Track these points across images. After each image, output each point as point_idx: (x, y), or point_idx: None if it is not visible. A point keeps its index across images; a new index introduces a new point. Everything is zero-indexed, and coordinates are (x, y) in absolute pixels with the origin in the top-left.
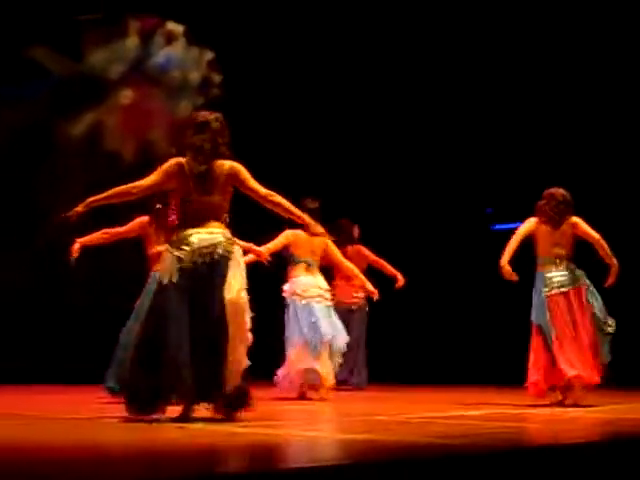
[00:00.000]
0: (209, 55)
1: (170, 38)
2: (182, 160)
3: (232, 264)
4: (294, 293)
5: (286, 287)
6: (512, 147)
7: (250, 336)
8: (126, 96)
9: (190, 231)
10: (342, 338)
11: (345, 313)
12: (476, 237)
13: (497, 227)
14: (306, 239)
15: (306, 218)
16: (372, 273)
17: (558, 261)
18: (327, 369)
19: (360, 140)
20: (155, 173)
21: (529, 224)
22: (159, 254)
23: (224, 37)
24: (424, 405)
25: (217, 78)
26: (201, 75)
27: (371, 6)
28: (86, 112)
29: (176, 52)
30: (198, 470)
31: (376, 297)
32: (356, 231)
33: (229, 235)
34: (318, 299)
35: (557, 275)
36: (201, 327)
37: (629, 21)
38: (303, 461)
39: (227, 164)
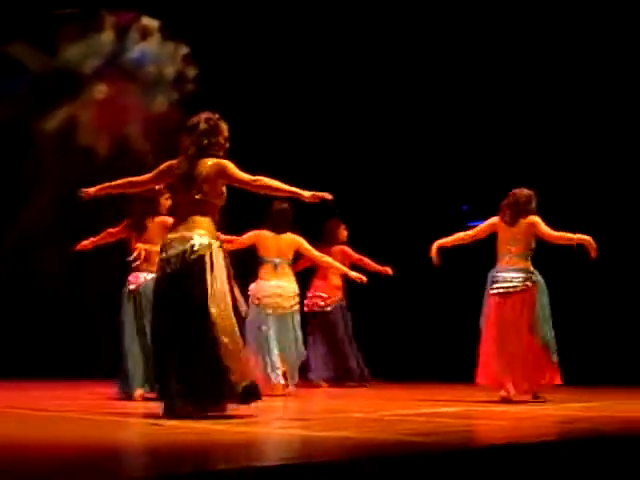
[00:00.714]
0: (184, 50)
1: (145, 33)
2: (173, 161)
3: (208, 268)
4: (254, 296)
5: (251, 287)
6: (488, 144)
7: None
8: (101, 91)
9: (170, 235)
10: (293, 352)
11: (325, 313)
12: (452, 233)
13: (473, 224)
14: (272, 238)
15: (301, 192)
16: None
17: (509, 259)
18: (285, 367)
19: (336, 138)
20: (153, 171)
21: (489, 220)
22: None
23: (205, 31)
24: (399, 402)
25: (192, 73)
26: (176, 70)
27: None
28: (60, 107)
29: (151, 47)
30: (175, 469)
31: (363, 280)
32: (342, 232)
33: (206, 236)
34: (273, 309)
35: (505, 275)
36: (188, 338)
37: (600, 22)
38: (274, 459)
39: (211, 161)
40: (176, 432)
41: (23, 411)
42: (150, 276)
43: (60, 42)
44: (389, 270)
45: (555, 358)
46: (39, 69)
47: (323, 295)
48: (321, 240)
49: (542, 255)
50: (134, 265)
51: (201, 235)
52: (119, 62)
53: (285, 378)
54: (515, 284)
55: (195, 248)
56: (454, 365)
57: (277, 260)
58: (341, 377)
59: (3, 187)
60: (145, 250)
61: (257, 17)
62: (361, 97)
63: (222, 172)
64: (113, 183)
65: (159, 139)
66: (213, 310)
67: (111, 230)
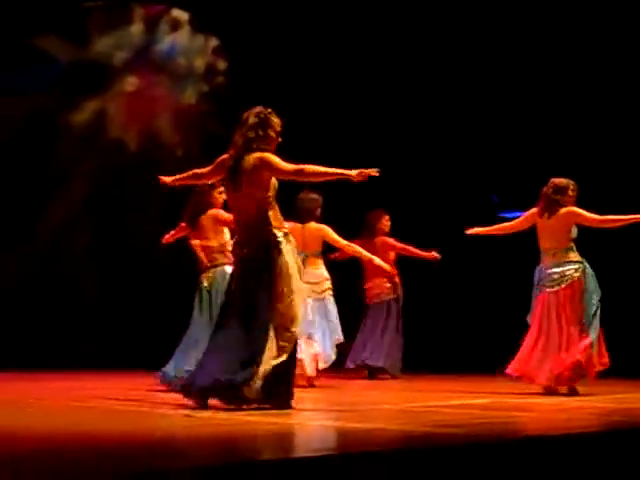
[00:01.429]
0: (214, 42)
1: (175, 25)
2: (226, 156)
3: (278, 255)
4: None
5: None
6: (519, 135)
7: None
8: (131, 83)
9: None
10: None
11: (381, 307)
12: (483, 224)
13: (504, 214)
14: (297, 231)
15: (348, 172)
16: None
17: (552, 253)
18: (307, 359)
19: (363, 129)
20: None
21: (528, 212)
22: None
23: (231, 24)
24: (429, 394)
25: (222, 65)
26: (206, 62)
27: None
28: (91, 99)
29: (181, 39)
30: (214, 459)
31: (384, 267)
32: (385, 222)
33: (269, 229)
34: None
35: (550, 271)
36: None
37: (631, 17)
38: (307, 450)
39: (255, 155)
40: (210, 423)
41: (68, 402)
42: (221, 269)
43: (90, 34)
44: (436, 254)
45: (594, 342)
46: (69, 61)
47: (377, 287)
48: (364, 232)
49: (588, 244)
50: (202, 266)
51: (270, 228)
52: (149, 54)
53: (317, 369)
54: (561, 278)
55: (270, 239)
56: (489, 358)
57: (302, 255)
58: (383, 369)
59: (33, 180)
60: (202, 246)
61: (284, 10)
62: (393, 89)
63: (265, 165)
64: (183, 175)
65: (189, 131)
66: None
67: (181, 225)
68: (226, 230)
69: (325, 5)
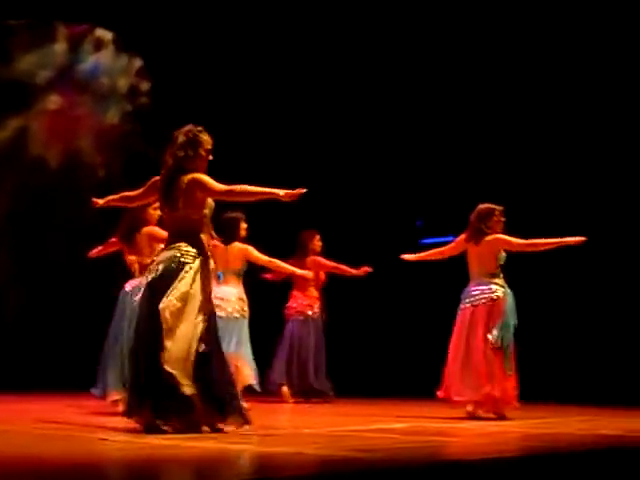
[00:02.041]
0: (138, 63)
1: (99, 45)
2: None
3: (180, 276)
4: None
5: None
6: (443, 160)
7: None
8: (53, 102)
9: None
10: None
11: (302, 323)
12: (405, 250)
13: (426, 241)
14: (221, 250)
15: (276, 191)
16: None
17: (477, 276)
18: None
19: (292, 149)
20: (143, 186)
21: (458, 238)
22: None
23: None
24: (354, 418)
25: (146, 86)
26: (129, 83)
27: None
28: (13, 117)
29: (104, 59)
30: None
31: (306, 275)
32: (316, 242)
33: (186, 250)
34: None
35: (473, 289)
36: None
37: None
38: (225, 476)
39: (188, 176)
40: (127, 448)
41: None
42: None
43: (13, 52)
44: (367, 268)
45: (509, 370)
46: None
47: (301, 305)
48: (296, 251)
49: (511, 270)
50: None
51: (186, 247)
52: (72, 73)
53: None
54: (481, 297)
55: (181, 256)
56: (425, 381)
57: (220, 273)
58: (305, 392)
59: None
60: (138, 263)
61: (208, 31)
62: (323, 107)
63: (198, 185)
64: (115, 196)
65: (111, 151)
66: (167, 315)
67: (111, 241)
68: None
69: (244, 24)
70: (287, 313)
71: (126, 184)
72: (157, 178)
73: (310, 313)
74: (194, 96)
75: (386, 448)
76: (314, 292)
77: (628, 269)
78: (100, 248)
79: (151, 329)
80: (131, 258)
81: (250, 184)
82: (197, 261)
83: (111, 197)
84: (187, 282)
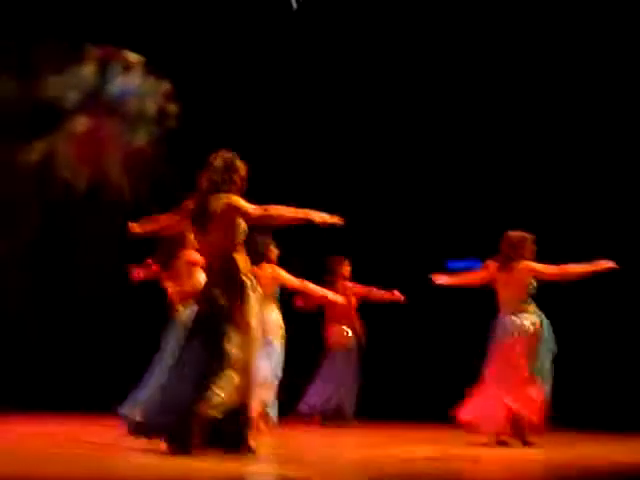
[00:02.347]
0: (166, 86)
1: (128, 68)
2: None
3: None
4: None
5: None
6: (473, 186)
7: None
8: (81, 124)
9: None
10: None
11: (341, 355)
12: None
13: (453, 265)
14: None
15: (312, 214)
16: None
17: (509, 305)
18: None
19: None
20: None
21: (485, 266)
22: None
23: (189, 68)
24: (375, 444)
25: (173, 109)
26: (157, 106)
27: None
28: (41, 138)
29: (133, 82)
30: None
31: (339, 300)
32: (345, 268)
33: (238, 274)
34: None
35: (506, 320)
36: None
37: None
38: None
39: (223, 197)
40: (145, 466)
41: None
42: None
43: (43, 74)
44: (399, 294)
45: (544, 396)
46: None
47: (339, 333)
48: (325, 277)
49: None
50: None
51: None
52: (101, 96)
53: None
54: (515, 328)
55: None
56: (447, 407)
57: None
58: (336, 415)
59: None
60: (177, 291)
61: (237, 56)
62: (350, 137)
63: (233, 207)
64: (151, 222)
65: (139, 174)
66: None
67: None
68: (200, 272)
69: (276, 50)
70: (328, 343)
71: (152, 207)
72: (187, 202)
73: (350, 340)
74: (222, 120)
75: (409, 474)
76: (348, 321)
77: None
78: (144, 273)
79: (197, 370)
80: (169, 284)
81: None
82: (249, 286)
83: (147, 223)
84: (248, 312)
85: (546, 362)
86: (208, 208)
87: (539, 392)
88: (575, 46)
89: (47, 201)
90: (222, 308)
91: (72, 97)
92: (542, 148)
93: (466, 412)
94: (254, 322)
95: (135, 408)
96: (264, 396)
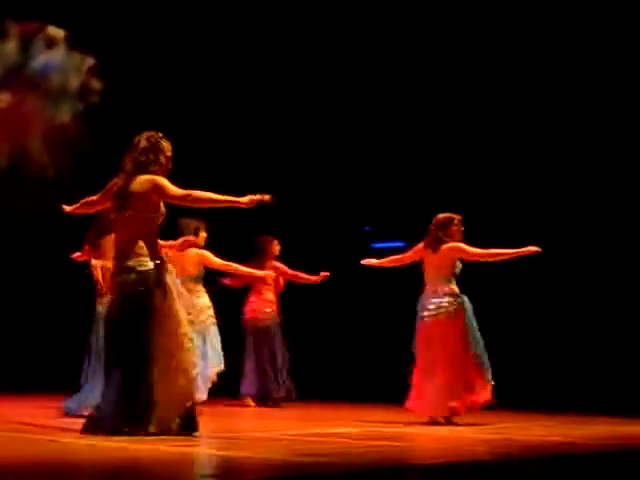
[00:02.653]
0: (90, 61)
1: (50, 43)
2: (116, 180)
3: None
4: None
5: None
6: (393, 165)
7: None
8: (2, 100)
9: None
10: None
11: (260, 329)
12: (356, 255)
13: (377, 245)
14: (176, 257)
15: (238, 199)
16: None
17: (434, 285)
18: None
19: (247, 154)
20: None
21: (415, 247)
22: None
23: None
24: (307, 422)
25: (97, 85)
26: (81, 81)
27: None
28: None
29: (56, 57)
30: None
31: (268, 277)
32: (274, 247)
33: (148, 258)
34: None
35: (431, 301)
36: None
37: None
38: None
39: (144, 178)
40: (79, 449)
41: None
42: None
43: None
44: (325, 274)
45: (489, 376)
46: None
47: (257, 310)
48: (255, 257)
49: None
50: (99, 287)
51: (145, 260)
52: (23, 71)
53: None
54: (441, 309)
55: (142, 273)
56: (389, 386)
57: (178, 280)
58: (266, 395)
59: None
60: (102, 267)
61: (163, 29)
62: (275, 113)
63: (155, 188)
64: (79, 204)
65: (62, 150)
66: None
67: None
68: None
69: (195, 23)
70: (246, 319)
71: (76, 184)
72: (115, 181)
73: (268, 317)
74: (147, 96)
75: (332, 453)
76: (271, 296)
77: (595, 273)
78: (79, 254)
79: (133, 352)
80: (95, 263)
81: (203, 189)
82: (161, 275)
83: (77, 205)
84: (165, 300)
85: (479, 345)
86: (129, 188)
87: (478, 367)
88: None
89: None
90: (136, 296)
91: None
92: (471, 128)
93: (412, 402)
94: (176, 305)
95: (82, 405)
96: (210, 380)
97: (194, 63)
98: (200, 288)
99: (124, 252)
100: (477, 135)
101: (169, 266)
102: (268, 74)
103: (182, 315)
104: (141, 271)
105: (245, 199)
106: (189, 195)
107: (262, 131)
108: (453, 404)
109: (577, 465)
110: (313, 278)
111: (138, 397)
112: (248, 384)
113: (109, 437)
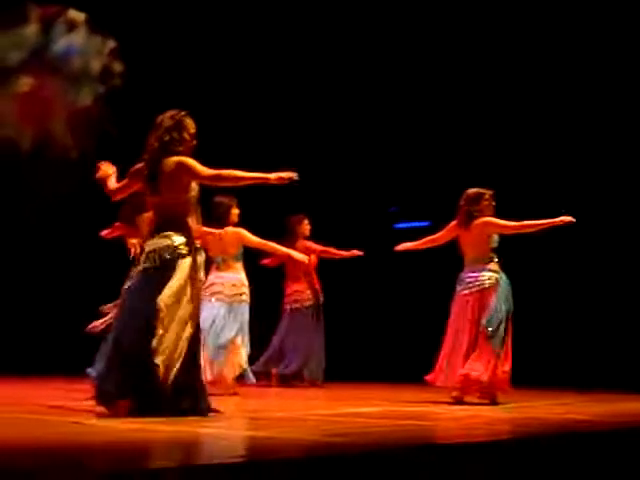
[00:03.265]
0: (111, 44)
1: (71, 26)
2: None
3: (175, 271)
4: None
5: None
6: (417, 144)
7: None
8: (25, 83)
9: (149, 242)
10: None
11: (300, 314)
12: (379, 236)
13: (401, 225)
14: (215, 237)
15: (267, 175)
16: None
17: (471, 261)
18: (226, 363)
19: (274, 134)
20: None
21: (449, 225)
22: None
23: (134, 26)
24: (329, 402)
25: (118, 67)
26: (102, 64)
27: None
28: None
29: (77, 40)
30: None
31: (303, 259)
32: (305, 227)
33: (179, 240)
34: (215, 297)
35: (468, 276)
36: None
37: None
38: (172, 460)
39: (173, 159)
40: (104, 431)
41: None
42: None
43: None
44: (357, 252)
45: (498, 350)
46: None
47: (297, 293)
48: (285, 236)
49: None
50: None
51: (178, 237)
52: (44, 55)
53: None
54: (476, 283)
55: (176, 247)
56: (422, 366)
57: (221, 258)
58: (298, 376)
59: None
60: (139, 245)
61: (186, 11)
62: (303, 93)
63: (185, 169)
64: (120, 191)
65: (84, 133)
66: (162, 304)
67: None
68: None
69: (221, 5)
70: (285, 302)
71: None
72: (139, 166)
73: (309, 302)
74: (169, 78)
75: (357, 432)
76: (305, 278)
77: (619, 254)
78: (109, 231)
79: (142, 320)
80: (132, 241)
81: (232, 168)
82: (189, 254)
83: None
84: (182, 276)
85: (496, 317)
86: (159, 169)
87: (496, 350)
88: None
89: None
90: (167, 261)
91: (15, 56)
92: (499, 104)
93: (433, 374)
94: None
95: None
96: (237, 359)
97: (216, 41)
98: (239, 266)
99: (158, 231)
100: (501, 111)
101: (202, 254)
102: (294, 52)
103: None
104: (171, 245)
105: (273, 175)
106: (219, 175)
107: (286, 110)
108: (464, 372)
109: (597, 443)
110: (345, 253)
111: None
112: (268, 361)
113: (125, 418)
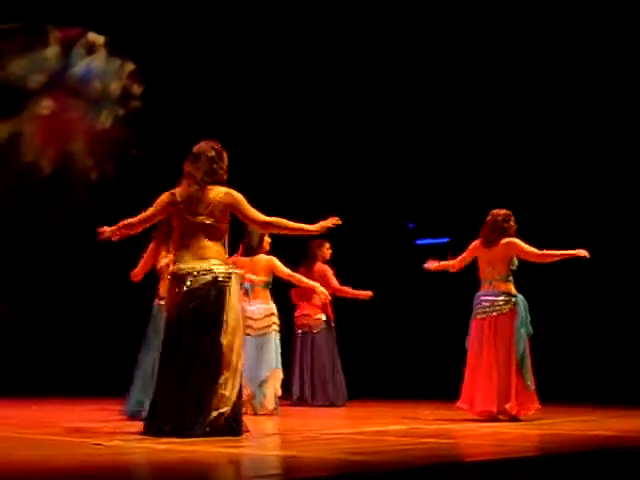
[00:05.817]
0: (130, 66)
1: (91, 48)
2: (174, 190)
3: (227, 298)
4: None
5: None
6: (435, 162)
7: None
8: (45, 106)
9: (184, 262)
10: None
11: (309, 335)
12: (399, 252)
13: (421, 242)
14: (245, 263)
15: (309, 227)
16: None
17: (489, 282)
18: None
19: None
20: (152, 206)
21: (471, 245)
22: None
23: (153, 48)
24: (353, 421)
25: (138, 90)
26: (121, 86)
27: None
28: (4, 122)
29: (97, 63)
30: None
31: (324, 298)
32: (326, 251)
33: (223, 265)
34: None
35: (486, 299)
36: (194, 363)
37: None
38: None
39: (223, 190)
40: (118, 452)
41: None
42: None
43: (4, 56)
44: (369, 293)
45: (529, 382)
46: None
47: (306, 317)
48: (306, 260)
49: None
50: (163, 277)
51: (218, 265)
52: (64, 77)
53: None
54: (495, 307)
55: (219, 279)
56: (441, 383)
57: (247, 285)
58: (318, 397)
59: None
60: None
61: (203, 34)
62: (311, 112)
63: (234, 205)
64: (126, 222)
65: (104, 155)
66: (224, 342)
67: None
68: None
69: (237, 29)
70: (296, 324)
71: (119, 188)
72: (172, 192)
73: (317, 324)
74: (187, 100)
75: (379, 451)
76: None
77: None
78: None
79: (206, 361)
80: (164, 261)
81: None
82: (233, 280)
83: (120, 225)
84: (234, 309)
85: (520, 346)
86: (206, 196)
87: (523, 377)
88: (562, 35)
89: (12, 184)
90: (208, 303)
91: (36, 79)
92: (523, 129)
93: (462, 399)
94: (237, 310)
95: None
96: (275, 389)
97: (232, 65)
98: (268, 294)
99: (198, 255)
100: (520, 130)
101: (239, 272)
102: (308, 78)
103: (240, 328)
104: (217, 273)
105: (316, 226)
106: (270, 223)
107: (301, 130)
108: (507, 406)
109: (626, 458)
110: (358, 293)
111: (206, 400)
112: (296, 390)
113: (159, 438)
